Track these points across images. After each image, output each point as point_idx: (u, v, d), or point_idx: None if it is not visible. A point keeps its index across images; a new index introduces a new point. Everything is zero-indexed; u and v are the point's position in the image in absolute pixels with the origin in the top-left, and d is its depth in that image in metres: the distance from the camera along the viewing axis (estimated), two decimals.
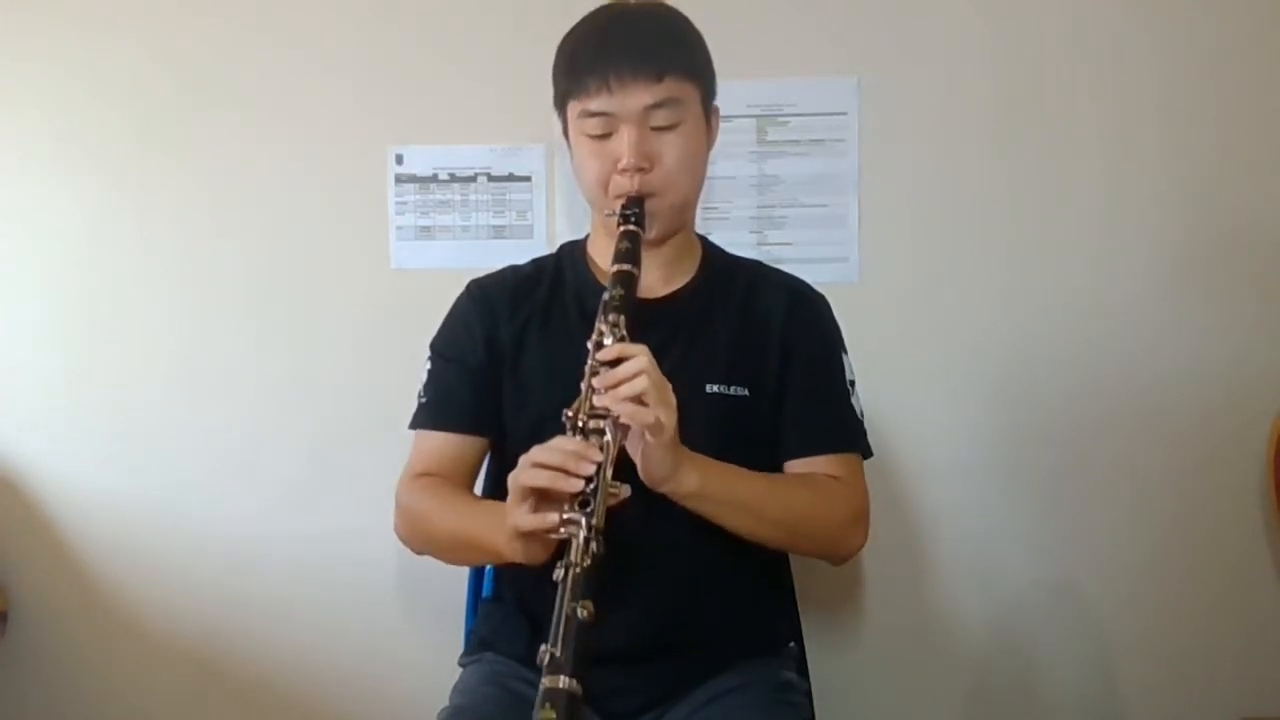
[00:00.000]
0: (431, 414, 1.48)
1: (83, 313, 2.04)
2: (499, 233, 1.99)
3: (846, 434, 1.47)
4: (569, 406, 1.25)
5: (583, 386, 1.25)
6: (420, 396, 1.49)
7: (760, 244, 1.94)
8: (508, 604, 1.49)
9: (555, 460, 1.19)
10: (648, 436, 1.24)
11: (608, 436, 1.22)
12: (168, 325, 2.03)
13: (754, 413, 1.44)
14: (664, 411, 1.22)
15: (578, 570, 1.16)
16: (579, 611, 1.13)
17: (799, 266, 1.60)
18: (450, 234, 2.00)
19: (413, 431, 1.49)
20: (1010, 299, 1.93)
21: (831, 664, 1.89)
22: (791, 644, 1.55)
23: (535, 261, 1.55)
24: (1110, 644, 1.95)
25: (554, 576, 1.17)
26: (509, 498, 1.23)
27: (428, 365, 1.50)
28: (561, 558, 1.18)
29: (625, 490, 1.21)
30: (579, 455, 1.19)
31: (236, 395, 2.02)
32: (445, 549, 1.45)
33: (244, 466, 2.03)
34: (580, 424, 1.23)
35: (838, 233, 1.94)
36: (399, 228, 2.00)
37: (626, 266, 1.32)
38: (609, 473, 1.21)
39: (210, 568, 2.04)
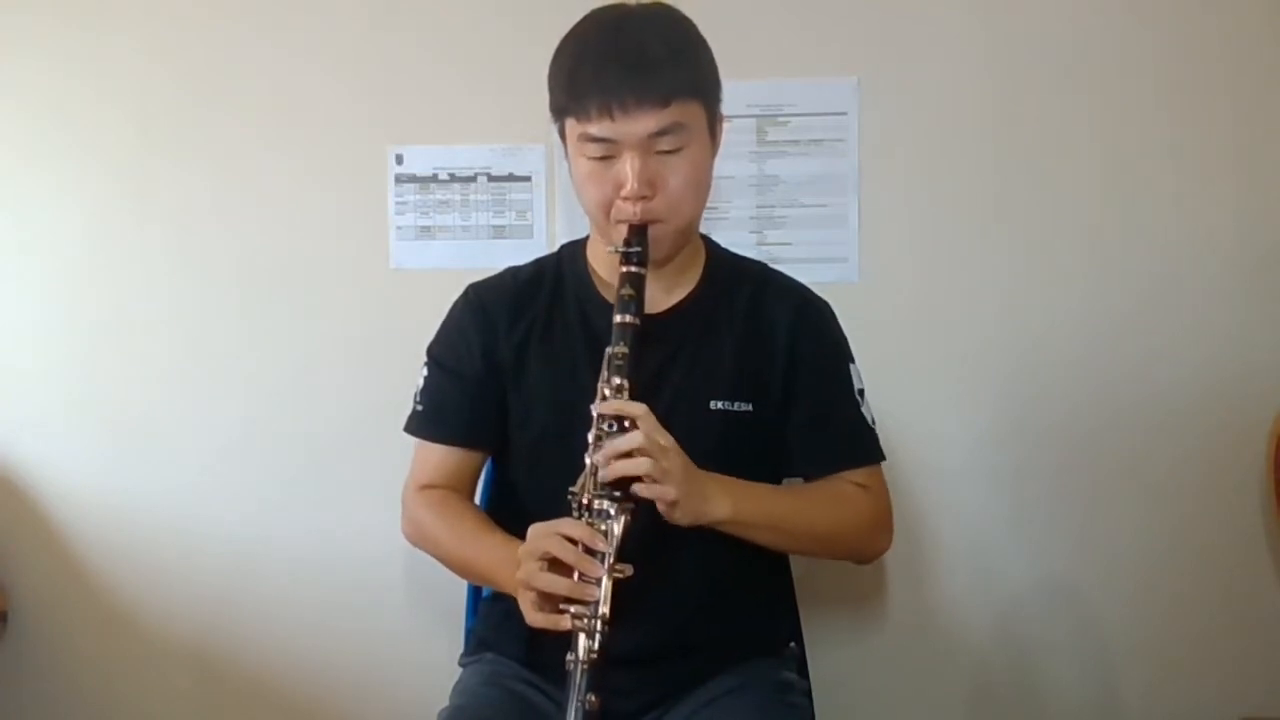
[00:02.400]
0: (427, 425, 1.48)
1: (83, 313, 2.04)
2: (499, 233, 1.99)
3: (864, 447, 1.48)
4: (574, 484, 1.26)
5: (587, 460, 1.25)
6: (416, 402, 1.49)
7: (760, 244, 1.94)
8: (508, 604, 1.48)
9: (565, 557, 1.21)
10: (668, 507, 1.26)
11: (613, 521, 1.23)
12: (167, 325, 2.03)
13: (757, 427, 1.43)
14: (669, 484, 1.24)
15: (585, 666, 1.19)
16: (586, 705, 1.18)
17: (799, 267, 1.61)
18: (450, 234, 2.00)
19: (410, 435, 1.50)
20: (1010, 299, 1.93)
21: (831, 664, 1.89)
22: (792, 644, 1.55)
23: (536, 263, 1.53)
24: (1110, 643, 1.95)
25: (566, 666, 1.21)
26: (517, 576, 1.25)
27: (424, 371, 1.50)
28: (570, 643, 1.21)
29: (629, 570, 1.22)
30: (588, 557, 1.21)
31: (236, 395, 2.02)
32: (454, 569, 1.48)
33: (244, 466, 2.03)
34: (585, 504, 1.25)
35: (838, 233, 1.94)
36: (399, 228, 2.00)
37: (629, 318, 1.29)
38: (614, 557, 1.22)
39: (210, 568, 2.04)
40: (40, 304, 2.05)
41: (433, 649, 1.93)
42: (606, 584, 1.21)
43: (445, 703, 1.44)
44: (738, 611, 1.45)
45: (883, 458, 1.50)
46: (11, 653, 2.06)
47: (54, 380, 2.05)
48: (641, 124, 1.29)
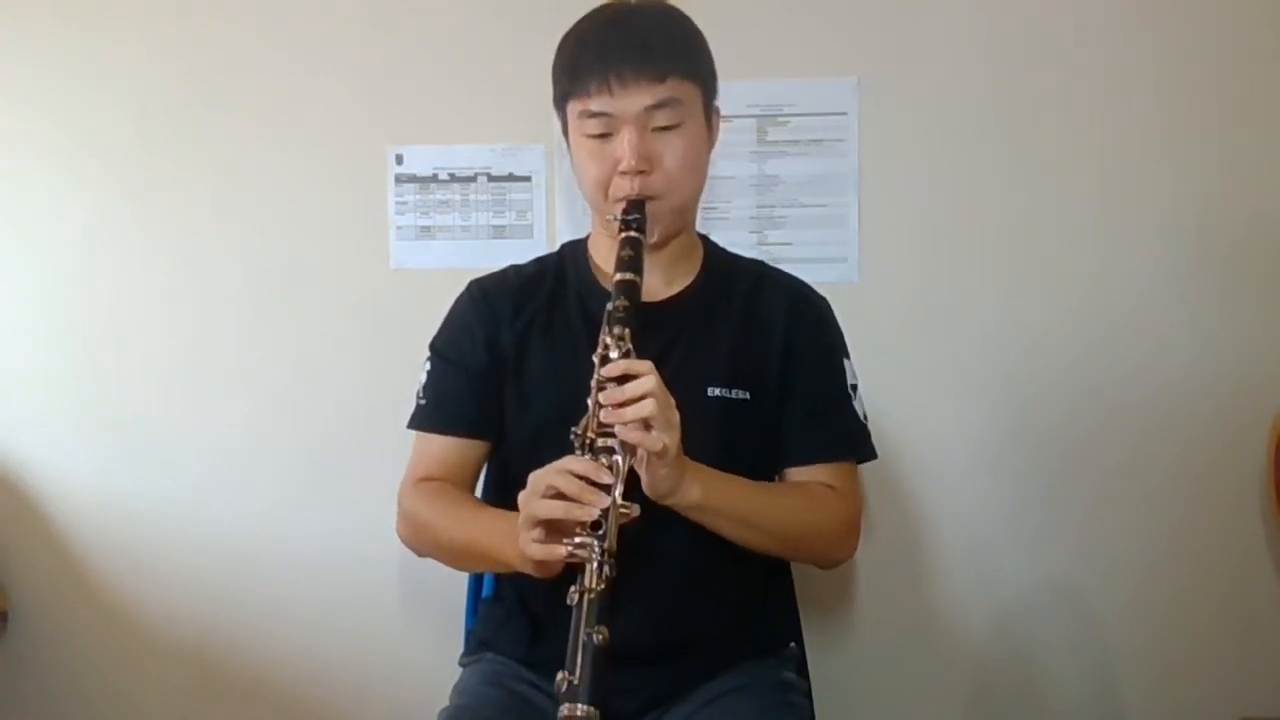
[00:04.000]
0: (431, 417, 1.47)
1: (83, 313, 2.04)
2: (499, 233, 1.99)
3: (845, 443, 1.48)
4: (576, 424, 1.25)
5: (590, 403, 1.25)
6: (419, 397, 1.49)
7: (760, 244, 1.94)
8: (508, 604, 1.49)
9: (568, 489, 1.19)
10: (653, 460, 1.24)
11: (617, 455, 1.22)
12: (168, 325, 2.03)
13: (755, 415, 1.43)
14: (669, 435, 1.22)
15: (591, 596, 1.17)
16: (594, 637, 1.15)
17: (799, 266, 1.61)
18: (450, 234, 2.00)
19: (412, 432, 1.49)
20: (1010, 299, 1.93)
21: (831, 664, 1.89)
22: (792, 644, 1.55)
23: (537, 261, 1.54)
24: (1110, 644, 1.95)
25: (568, 600, 1.18)
26: (520, 520, 1.23)
27: (427, 366, 1.50)
28: (575, 581, 1.19)
29: (635, 510, 1.21)
30: (591, 485, 1.19)
31: (236, 395, 2.02)
32: (453, 558, 1.46)
33: (243, 466, 2.03)
34: (589, 442, 1.23)
35: (838, 233, 1.94)
36: (399, 228, 2.00)
37: (629, 275, 1.30)
38: (619, 493, 1.20)
39: (210, 568, 2.04)
40: (40, 304, 2.05)
41: (433, 649, 1.93)
42: (612, 516, 1.18)
43: (445, 703, 1.44)
44: (737, 611, 1.46)
45: (872, 454, 1.50)
46: (11, 653, 2.06)
47: (54, 380, 2.05)
48: (639, 97, 1.33)
